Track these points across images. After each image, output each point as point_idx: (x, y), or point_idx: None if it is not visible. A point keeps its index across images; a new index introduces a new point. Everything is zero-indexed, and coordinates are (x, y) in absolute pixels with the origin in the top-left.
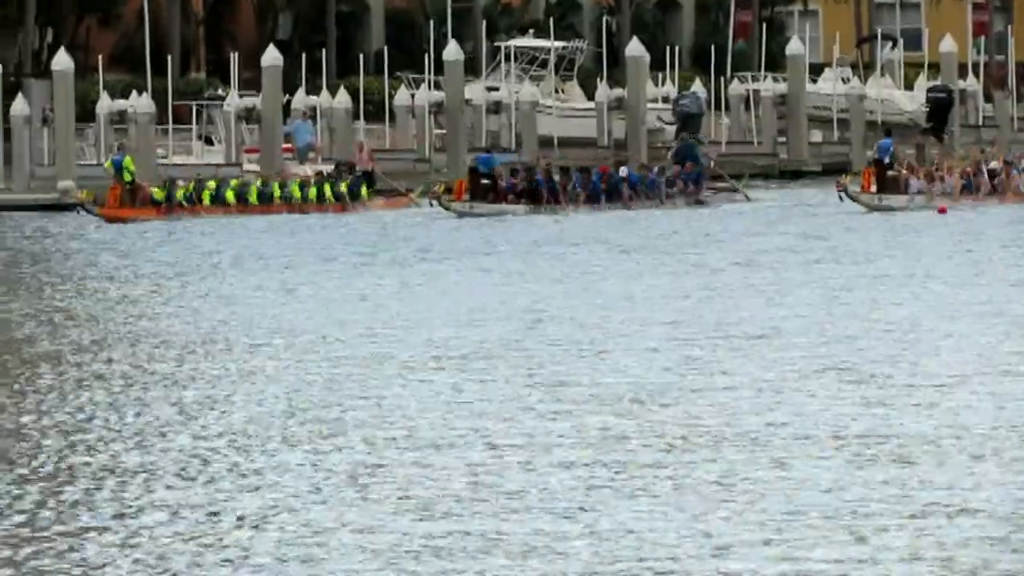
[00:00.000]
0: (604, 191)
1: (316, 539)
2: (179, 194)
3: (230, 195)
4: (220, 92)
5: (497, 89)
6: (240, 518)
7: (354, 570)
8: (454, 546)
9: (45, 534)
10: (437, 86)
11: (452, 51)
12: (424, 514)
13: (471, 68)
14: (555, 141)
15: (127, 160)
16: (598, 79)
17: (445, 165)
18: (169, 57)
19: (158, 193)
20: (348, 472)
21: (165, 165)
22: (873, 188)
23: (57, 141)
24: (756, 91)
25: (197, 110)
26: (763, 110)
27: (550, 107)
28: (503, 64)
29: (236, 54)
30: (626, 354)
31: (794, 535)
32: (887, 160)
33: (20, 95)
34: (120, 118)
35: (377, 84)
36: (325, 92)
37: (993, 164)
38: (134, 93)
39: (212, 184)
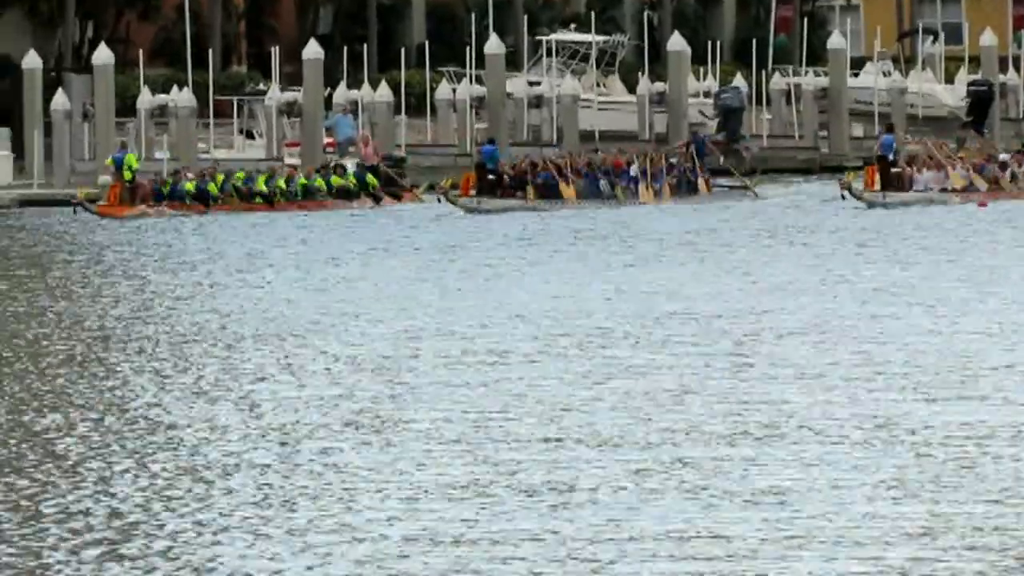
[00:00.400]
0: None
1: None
2: (188, 187)
3: (240, 179)
4: (261, 86)
5: (538, 83)
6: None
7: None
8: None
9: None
10: (478, 80)
11: (493, 45)
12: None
13: (512, 62)
14: (596, 135)
15: (129, 158)
16: (639, 73)
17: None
18: (210, 51)
19: (188, 186)
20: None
21: (206, 159)
22: (877, 185)
23: (97, 136)
24: (797, 85)
25: (238, 104)
26: (804, 104)
27: (591, 101)
28: (544, 58)
29: (277, 48)
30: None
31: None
32: (891, 157)
33: (60, 90)
34: (161, 112)
35: (418, 78)
36: (366, 86)
37: (1003, 156)
38: (175, 87)
39: (220, 177)
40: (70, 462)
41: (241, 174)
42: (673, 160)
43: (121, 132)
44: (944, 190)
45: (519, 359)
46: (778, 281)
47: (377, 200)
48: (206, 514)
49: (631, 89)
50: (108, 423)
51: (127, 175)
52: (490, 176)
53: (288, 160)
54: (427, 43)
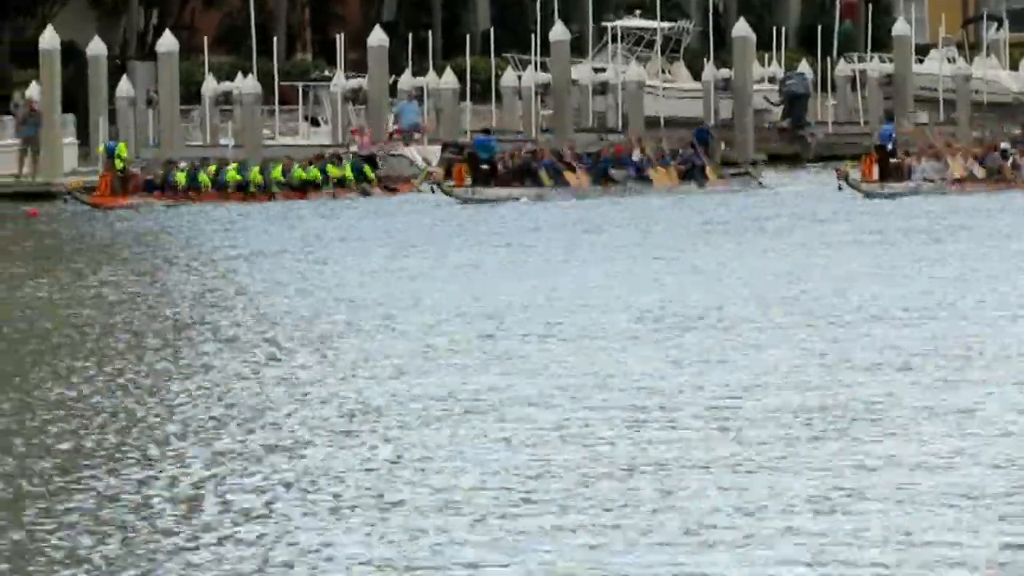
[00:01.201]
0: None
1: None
2: (180, 178)
3: (233, 177)
4: (327, 73)
5: (604, 70)
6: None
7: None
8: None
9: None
10: (543, 67)
11: (559, 31)
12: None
13: (577, 49)
14: (661, 122)
15: (120, 147)
16: (704, 59)
17: (551, 145)
18: (274, 39)
19: (231, 175)
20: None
21: (270, 146)
22: (875, 175)
23: (162, 123)
24: (862, 71)
25: (303, 91)
26: (869, 91)
27: (656, 88)
28: (610, 45)
29: (342, 35)
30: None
31: None
32: (889, 146)
33: (125, 77)
34: (225, 99)
35: (484, 65)
36: (431, 73)
37: (1004, 145)
38: (239, 74)
39: (212, 168)
40: (176, 448)
41: (235, 164)
42: (677, 148)
43: (186, 119)
44: (943, 180)
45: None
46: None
47: (365, 193)
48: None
49: (696, 76)
50: (219, 410)
51: (118, 164)
52: (483, 166)
53: (352, 147)
54: (492, 30)
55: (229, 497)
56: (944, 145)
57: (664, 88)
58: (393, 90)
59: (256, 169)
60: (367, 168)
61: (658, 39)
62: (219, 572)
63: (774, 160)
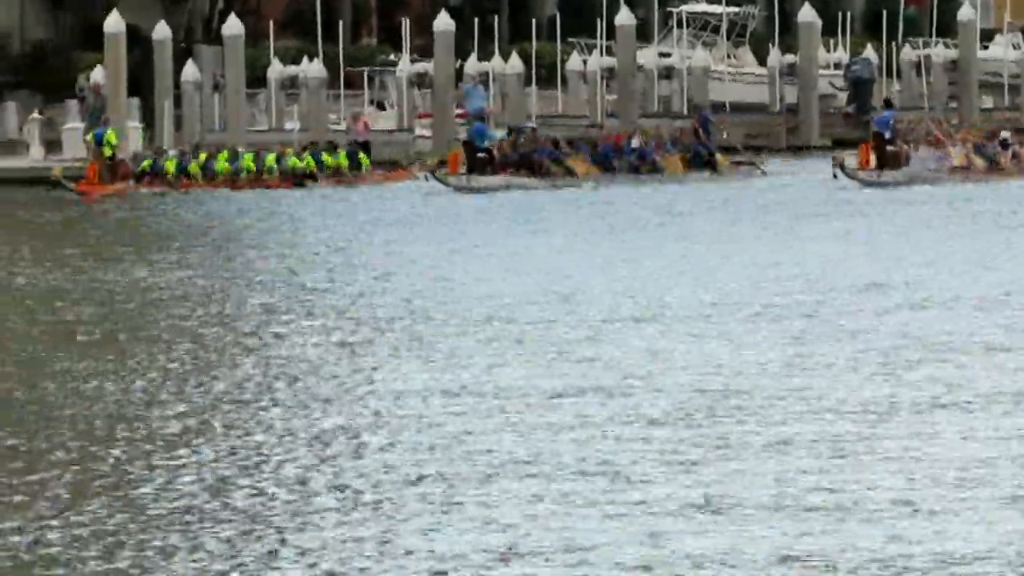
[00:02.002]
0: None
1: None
2: (169, 166)
3: (222, 166)
4: (392, 58)
5: (669, 55)
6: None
7: None
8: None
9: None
10: (609, 52)
11: (624, 17)
12: None
13: (643, 34)
14: (727, 107)
15: (110, 134)
16: (770, 45)
17: (617, 130)
18: (341, 23)
19: (221, 164)
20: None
21: (336, 131)
22: (872, 163)
23: (228, 107)
24: (927, 57)
25: (369, 76)
26: (934, 76)
27: (722, 73)
28: (675, 29)
29: (408, 20)
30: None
31: None
32: (888, 134)
33: (191, 61)
34: (291, 84)
35: (549, 49)
36: (497, 57)
37: (1005, 134)
38: (305, 59)
39: (203, 157)
40: (300, 431)
41: (225, 153)
42: (676, 135)
43: (251, 103)
44: (942, 169)
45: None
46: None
47: (363, 178)
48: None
49: (761, 61)
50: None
51: (107, 151)
52: (480, 154)
53: (419, 131)
54: (558, 14)
55: (343, 480)
56: (944, 134)
57: (729, 73)
58: (459, 75)
59: (248, 157)
60: (362, 155)
61: (724, 24)
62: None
63: (839, 145)
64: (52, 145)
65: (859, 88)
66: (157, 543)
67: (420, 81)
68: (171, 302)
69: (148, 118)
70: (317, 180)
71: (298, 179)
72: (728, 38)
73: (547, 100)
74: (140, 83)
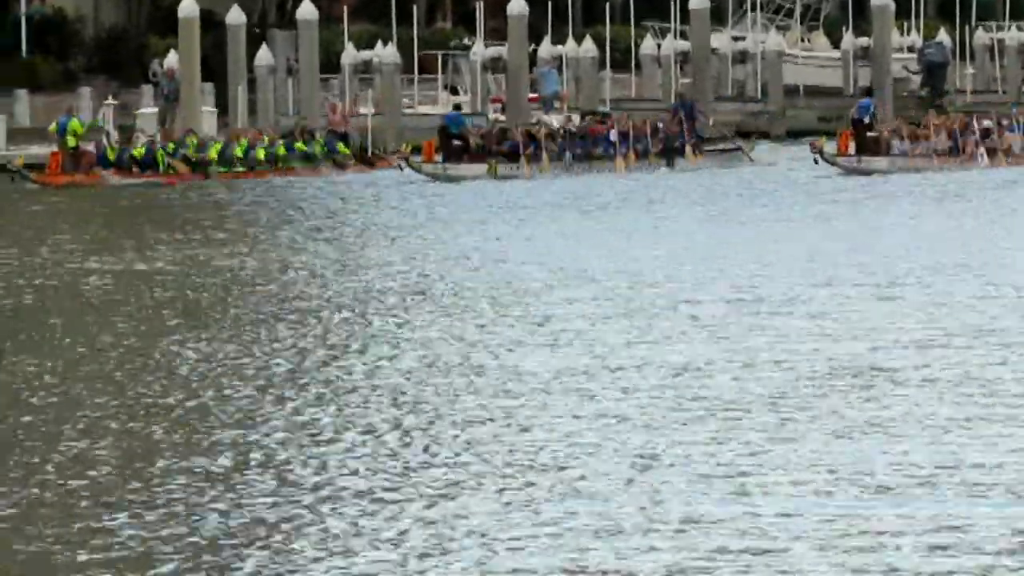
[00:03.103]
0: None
1: None
2: (136, 154)
3: (191, 151)
4: (466, 42)
5: (743, 38)
6: None
7: None
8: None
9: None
10: (683, 35)
11: (698, 0)
12: None
13: (717, 17)
14: (801, 90)
15: (73, 123)
16: (843, 28)
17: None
18: (414, 7)
19: (136, 152)
20: None
21: (410, 115)
22: (852, 150)
23: (302, 91)
24: (1001, 40)
25: (443, 60)
26: (1008, 59)
27: (795, 56)
28: (749, 13)
29: (482, 3)
30: None
31: None
32: (867, 120)
33: (265, 46)
34: (365, 68)
35: (623, 33)
36: (571, 41)
37: (987, 123)
38: (379, 43)
39: (171, 146)
40: (414, 412)
41: (194, 139)
42: (660, 124)
43: (325, 88)
44: (927, 155)
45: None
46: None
47: (342, 167)
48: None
49: (835, 44)
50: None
51: (71, 141)
52: (455, 142)
53: (491, 115)
54: None
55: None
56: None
57: (803, 57)
58: (533, 59)
59: (217, 146)
60: (341, 145)
61: (797, 8)
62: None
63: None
64: (125, 130)
65: (933, 72)
66: (320, 527)
67: (494, 65)
68: (290, 285)
69: (222, 103)
70: (295, 170)
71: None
72: (802, 22)
73: (621, 84)
74: (214, 68)
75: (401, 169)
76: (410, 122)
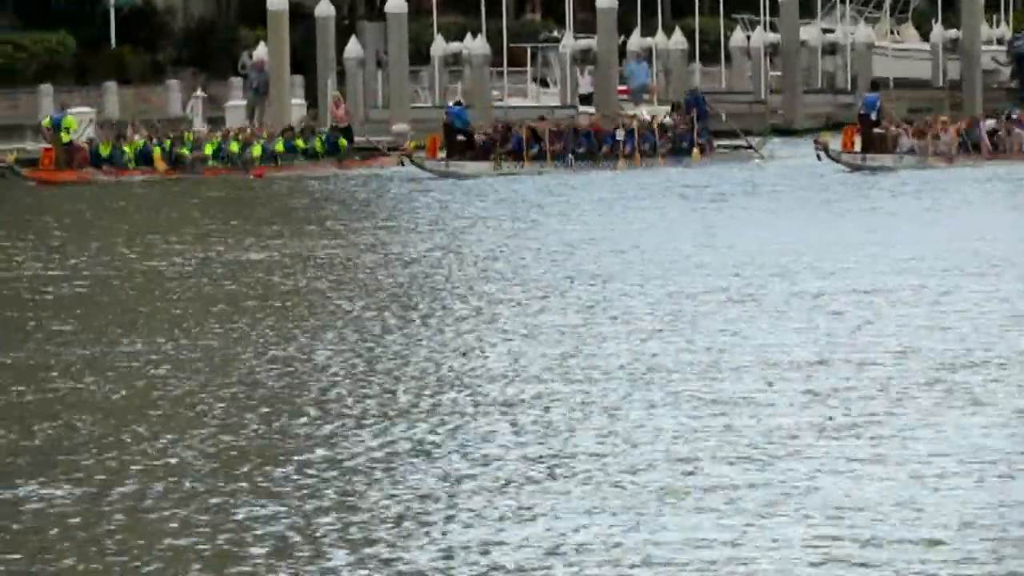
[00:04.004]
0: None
1: None
2: (129, 151)
3: (185, 153)
4: (555, 34)
5: (832, 31)
6: None
7: None
8: None
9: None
10: (773, 27)
11: None
12: None
13: (806, 9)
14: (890, 82)
15: (68, 120)
16: (933, 20)
17: (781, 106)
18: None
19: (129, 149)
20: None
21: (500, 108)
22: (857, 146)
23: (391, 84)
24: None
25: (532, 52)
26: None
27: (885, 48)
28: (838, 5)
29: None
30: None
31: None
32: (873, 116)
33: (354, 38)
34: (455, 60)
35: (713, 25)
36: (660, 33)
37: (991, 122)
38: (468, 35)
39: (168, 144)
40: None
41: (190, 136)
42: (667, 121)
43: (414, 80)
44: (937, 153)
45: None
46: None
47: (341, 163)
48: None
49: (925, 36)
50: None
51: (64, 138)
52: (459, 137)
53: (582, 108)
54: None
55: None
56: (930, 122)
57: (892, 49)
58: (622, 51)
59: (214, 143)
60: (342, 141)
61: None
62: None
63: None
64: (215, 122)
65: (1023, 63)
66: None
67: (583, 57)
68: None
69: (311, 95)
70: (292, 166)
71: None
72: (891, 13)
73: (710, 76)
74: (303, 60)
75: (403, 165)
76: (500, 115)
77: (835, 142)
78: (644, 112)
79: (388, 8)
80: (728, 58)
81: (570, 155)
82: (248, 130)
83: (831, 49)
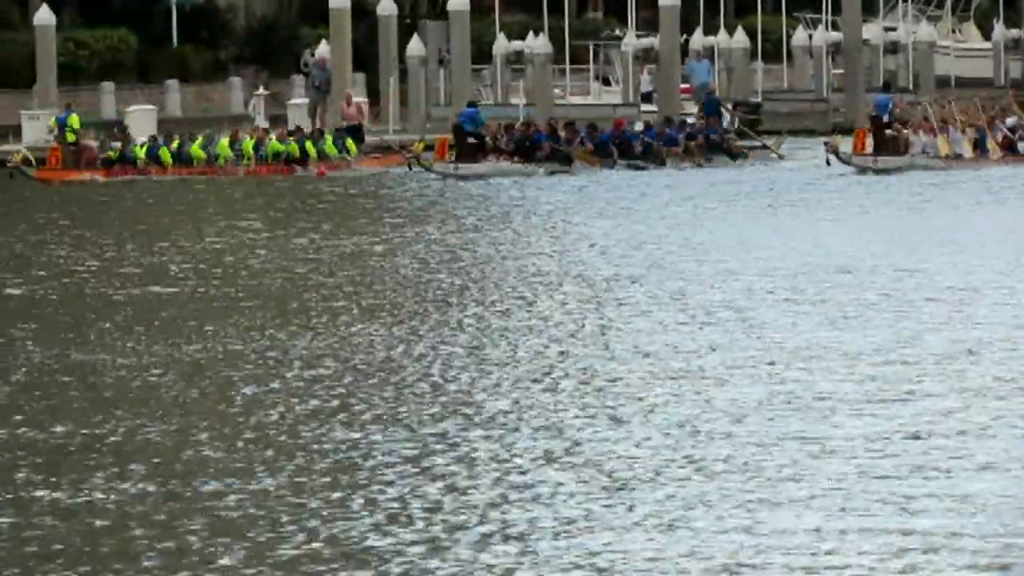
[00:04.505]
0: (616, 147)
1: None
2: (138, 152)
3: (196, 152)
4: (617, 32)
5: (894, 29)
6: None
7: None
8: None
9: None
10: (835, 26)
11: None
12: None
13: (868, 8)
14: (952, 81)
15: (72, 119)
16: (995, 19)
17: (842, 105)
18: None
19: (195, 149)
20: None
21: (561, 105)
22: (869, 148)
23: (453, 82)
24: None
25: (595, 50)
26: None
27: (947, 47)
28: (900, 4)
29: None
30: None
31: None
32: (885, 118)
33: (416, 36)
34: (516, 59)
35: (775, 24)
36: (723, 32)
37: (1011, 120)
38: (531, 33)
39: (175, 143)
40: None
41: (200, 139)
42: (691, 121)
43: (477, 79)
44: (948, 156)
45: None
46: None
47: (348, 163)
48: None
49: (986, 35)
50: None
51: (70, 137)
52: (471, 139)
53: (643, 107)
54: None
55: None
56: (949, 118)
57: (954, 48)
58: (684, 49)
59: (224, 143)
60: (350, 141)
61: None
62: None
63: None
64: (277, 120)
65: None
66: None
67: (645, 56)
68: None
69: (373, 94)
70: (305, 166)
71: (284, 164)
72: (953, 13)
73: (772, 75)
74: (365, 59)
75: (410, 168)
76: (561, 113)
77: (846, 144)
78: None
79: (450, 6)
80: (790, 57)
81: (615, 159)
82: (257, 132)
83: (892, 48)
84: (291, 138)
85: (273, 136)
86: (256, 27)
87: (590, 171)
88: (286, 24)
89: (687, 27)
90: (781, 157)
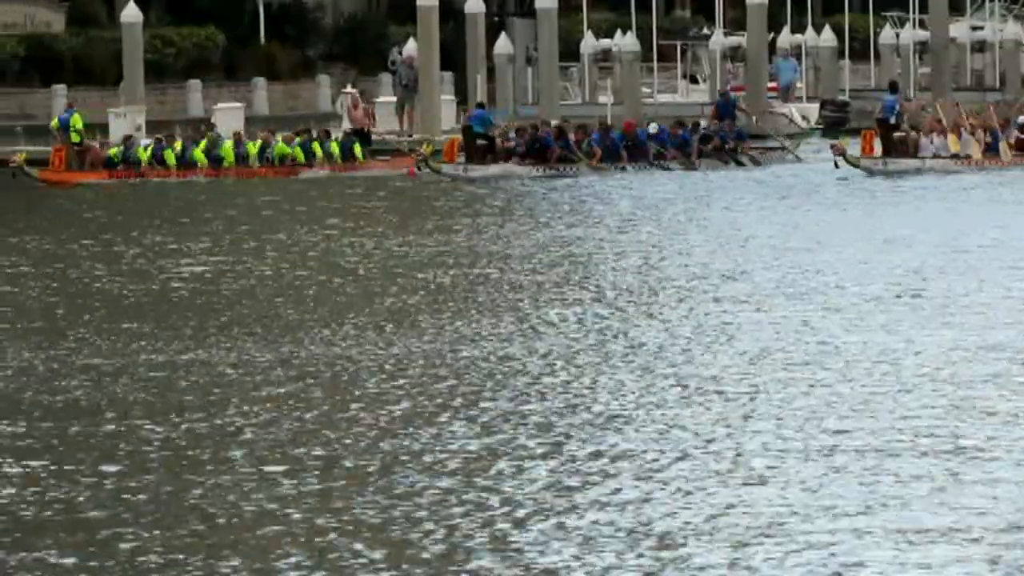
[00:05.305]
0: (627, 149)
1: None
2: (141, 154)
3: (199, 155)
4: (705, 30)
5: (981, 28)
6: None
7: None
8: None
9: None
10: (922, 25)
11: None
12: None
13: (956, 7)
14: None
15: (75, 118)
16: None
17: (929, 104)
18: None
19: (198, 153)
20: None
21: (650, 104)
22: (877, 151)
23: (541, 80)
24: None
25: (682, 48)
26: None
27: None
28: (987, 3)
29: None
30: None
31: None
32: (893, 120)
33: (503, 34)
34: (604, 57)
35: (862, 22)
36: (810, 30)
37: (1022, 119)
38: (618, 32)
39: (178, 145)
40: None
41: (204, 142)
42: (704, 123)
43: (564, 77)
44: (956, 157)
45: None
46: None
47: (354, 167)
48: None
49: None
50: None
51: (74, 137)
52: (480, 141)
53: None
54: None
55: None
56: (957, 118)
57: None
58: (772, 48)
59: (228, 145)
60: (357, 145)
61: None
62: None
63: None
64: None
65: None
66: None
67: (733, 54)
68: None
69: (461, 92)
70: (311, 167)
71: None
72: None
73: (860, 73)
74: (453, 56)
75: (419, 170)
76: (650, 111)
77: (854, 147)
78: (793, 110)
79: (538, 4)
80: (877, 55)
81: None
82: (263, 134)
83: (980, 47)
84: (297, 140)
85: (279, 138)
86: (344, 25)
87: (603, 174)
88: (374, 22)
89: (774, 25)
90: (799, 159)
